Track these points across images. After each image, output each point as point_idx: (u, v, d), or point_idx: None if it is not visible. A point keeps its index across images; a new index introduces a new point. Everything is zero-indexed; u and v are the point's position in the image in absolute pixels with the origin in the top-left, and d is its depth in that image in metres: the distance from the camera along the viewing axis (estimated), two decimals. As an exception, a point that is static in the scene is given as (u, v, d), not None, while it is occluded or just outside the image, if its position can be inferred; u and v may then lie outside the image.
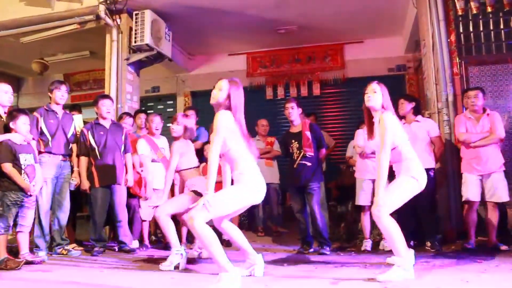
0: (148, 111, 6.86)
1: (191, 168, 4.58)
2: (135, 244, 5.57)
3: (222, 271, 3.13)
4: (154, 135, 5.84)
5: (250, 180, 3.43)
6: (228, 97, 3.51)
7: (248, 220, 6.91)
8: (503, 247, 4.86)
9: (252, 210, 6.79)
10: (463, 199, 5.12)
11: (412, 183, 3.64)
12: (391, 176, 3.78)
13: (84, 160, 5.35)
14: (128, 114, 6.28)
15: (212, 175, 3.29)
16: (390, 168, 3.70)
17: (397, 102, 5.26)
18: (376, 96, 3.72)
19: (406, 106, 5.30)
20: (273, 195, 6.84)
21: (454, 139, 5.57)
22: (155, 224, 6.09)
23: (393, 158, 3.71)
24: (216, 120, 3.40)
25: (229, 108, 3.49)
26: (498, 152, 5.02)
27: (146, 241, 5.82)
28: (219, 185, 3.50)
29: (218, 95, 3.54)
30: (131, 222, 5.67)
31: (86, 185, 5.31)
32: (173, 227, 4.42)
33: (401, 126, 3.76)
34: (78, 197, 5.66)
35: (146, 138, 5.78)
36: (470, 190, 5.04)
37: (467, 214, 5.11)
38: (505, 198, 4.91)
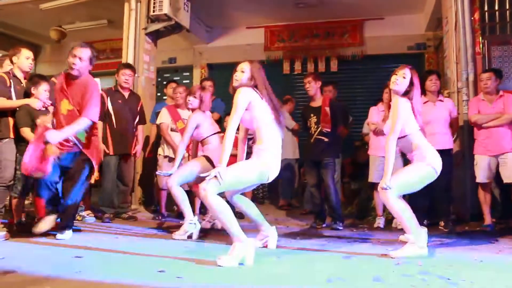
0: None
1: (213, 135, 4.60)
2: None
3: (235, 241, 3.15)
4: (179, 106, 5.76)
5: (268, 158, 3.42)
6: (252, 77, 3.51)
7: (264, 194, 7.01)
8: None
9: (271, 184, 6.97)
10: (476, 180, 5.10)
11: (428, 170, 3.60)
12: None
13: (100, 125, 5.37)
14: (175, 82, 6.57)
15: (226, 149, 3.29)
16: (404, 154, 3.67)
17: (427, 76, 5.18)
18: (403, 82, 3.66)
19: (439, 84, 5.20)
20: (295, 169, 7.04)
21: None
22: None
23: (403, 147, 3.69)
24: (236, 96, 3.39)
25: (254, 87, 3.49)
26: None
27: (163, 210, 5.78)
28: (233, 159, 3.50)
29: (241, 76, 3.53)
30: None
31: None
32: (185, 197, 4.45)
33: (413, 116, 3.65)
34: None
35: (169, 108, 5.76)
36: (481, 172, 5.04)
37: (480, 195, 5.09)
38: None
